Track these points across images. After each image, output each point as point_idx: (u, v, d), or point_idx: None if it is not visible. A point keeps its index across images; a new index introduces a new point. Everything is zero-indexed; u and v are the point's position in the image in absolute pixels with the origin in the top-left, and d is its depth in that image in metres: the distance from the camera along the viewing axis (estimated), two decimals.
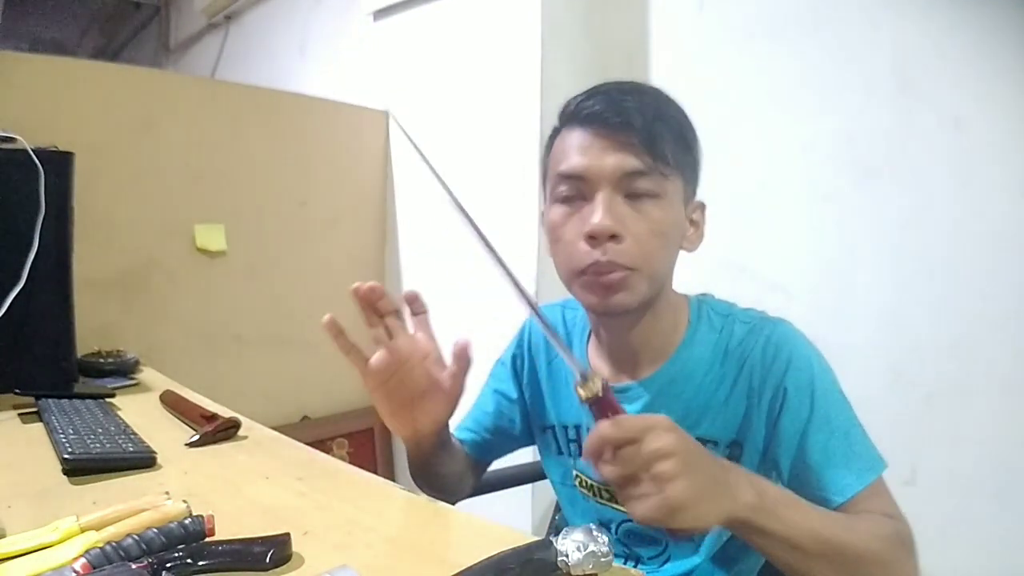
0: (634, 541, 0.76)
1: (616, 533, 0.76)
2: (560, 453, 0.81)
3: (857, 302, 1.25)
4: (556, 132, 0.69)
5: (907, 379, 1.19)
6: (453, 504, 0.91)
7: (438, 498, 0.72)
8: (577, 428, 0.78)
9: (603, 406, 0.51)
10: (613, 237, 0.62)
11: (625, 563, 0.76)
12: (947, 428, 1.15)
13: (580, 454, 0.76)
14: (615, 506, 0.75)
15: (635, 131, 0.62)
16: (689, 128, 0.67)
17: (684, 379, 0.70)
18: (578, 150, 0.64)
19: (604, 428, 0.48)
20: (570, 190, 0.65)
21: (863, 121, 1.24)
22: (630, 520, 0.72)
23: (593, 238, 0.62)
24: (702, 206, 0.71)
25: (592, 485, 0.77)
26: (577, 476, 0.79)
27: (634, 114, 0.62)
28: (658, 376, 0.71)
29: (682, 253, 0.70)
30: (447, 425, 0.71)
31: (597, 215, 0.62)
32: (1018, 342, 1.08)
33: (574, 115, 0.66)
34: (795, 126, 1.32)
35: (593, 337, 0.78)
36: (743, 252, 1.39)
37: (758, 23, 1.38)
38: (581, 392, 0.51)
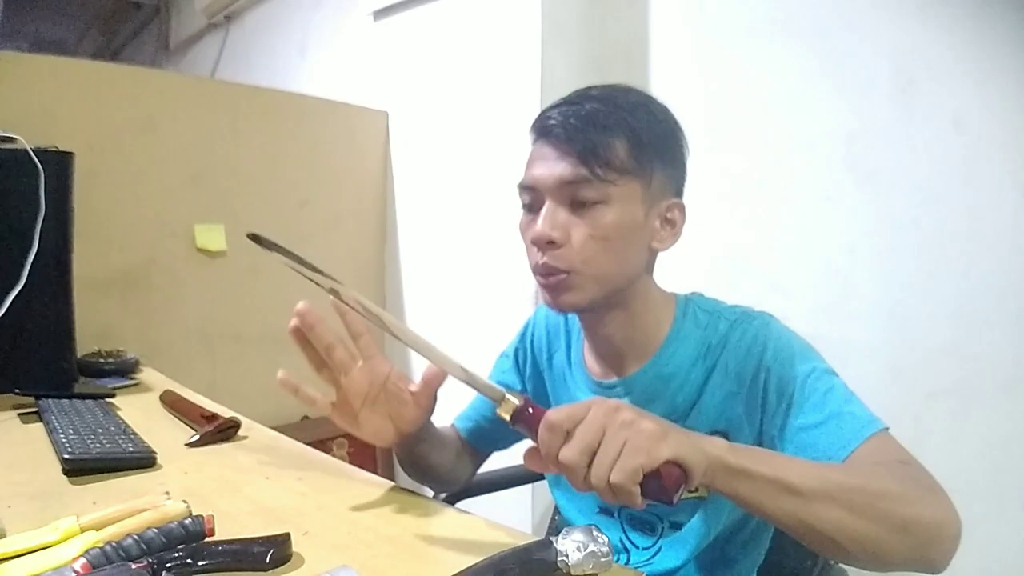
0: (633, 527, 0.77)
1: (618, 517, 0.77)
2: None
3: (857, 302, 1.25)
4: (533, 143, 0.73)
5: (907, 379, 1.19)
6: (447, 493, 0.92)
7: (431, 487, 0.72)
8: None
9: (533, 417, 0.51)
10: (551, 243, 0.66)
11: (619, 551, 0.77)
12: (947, 428, 1.15)
13: None
14: None
15: (576, 142, 0.65)
16: (651, 129, 0.68)
17: (668, 376, 0.71)
18: (532, 163, 0.70)
19: (550, 415, 0.49)
20: (527, 199, 0.70)
21: (863, 121, 1.24)
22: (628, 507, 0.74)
23: (536, 244, 0.67)
24: (680, 205, 0.72)
25: None
26: None
27: (579, 124, 0.66)
28: (642, 374, 0.73)
29: (674, 252, 0.72)
30: (427, 424, 0.73)
31: (537, 223, 0.67)
32: (1018, 342, 1.08)
33: (536, 129, 0.71)
34: (795, 126, 1.32)
35: (585, 339, 0.80)
36: (743, 252, 1.39)
37: (758, 23, 1.38)
38: (502, 414, 0.53)
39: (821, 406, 0.62)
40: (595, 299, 0.68)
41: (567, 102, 0.69)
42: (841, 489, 0.50)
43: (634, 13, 1.58)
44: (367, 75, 2.03)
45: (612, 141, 0.65)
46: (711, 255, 1.39)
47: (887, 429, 0.60)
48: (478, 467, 0.93)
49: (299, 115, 1.82)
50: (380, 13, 1.94)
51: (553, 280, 0.67)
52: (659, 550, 0.74)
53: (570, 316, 0.84)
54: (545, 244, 0.66)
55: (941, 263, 1.16)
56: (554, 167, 0.67)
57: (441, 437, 0.83)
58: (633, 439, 0.47)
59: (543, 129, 0.69)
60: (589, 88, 0.71)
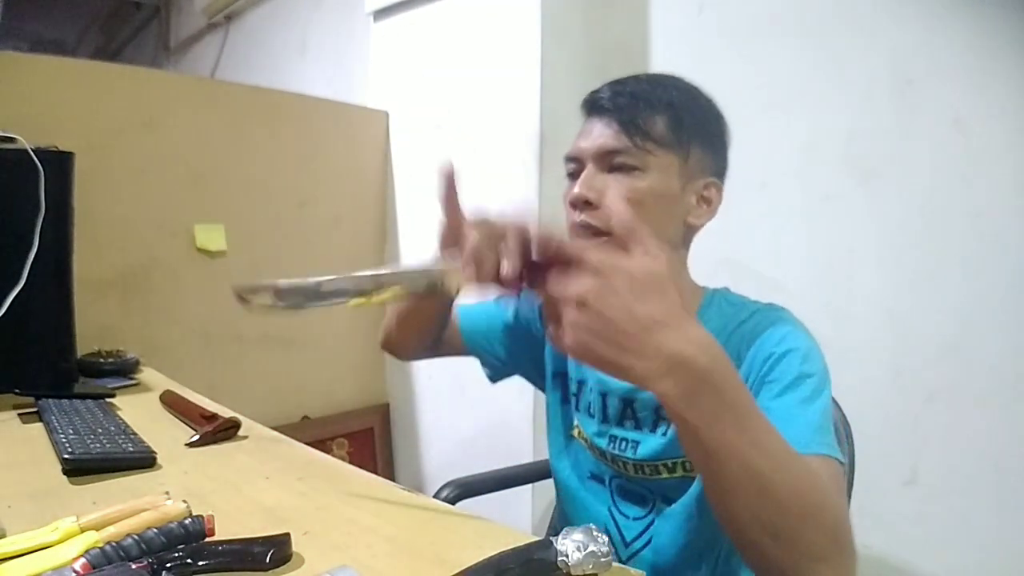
0: (623, 497, 0.78)
1: (608, 486, 0.80)
2: (566, 402, 0.86)
3: (857, 302, 1.25)
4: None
5: (907, 379, 1.19)
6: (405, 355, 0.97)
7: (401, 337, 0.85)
8: (580, 383, 0.83)
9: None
10: (588, 204, 0.70)
11: (607, 520, 0.78)
12: (947, 428, 1.15)
13: (579, 408, 0.84)
14: (607, 464, 0.79)
15: (618, 114, 0.72)
16: (692, 110, 0.74)
17: None
18: (579, 136, 0.76)
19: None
20: (571, 168, 0.76)
21: (863, 121, 1.24)
22: (620, 476, 0.78)
23: (573, 204, 0.72)
24: (716, 184, 0.76)
25: (587, 439, 0.82)
26: (576, 427, 0.84)
27: (622, 99, 0.72)
28: None
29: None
30: None
31: (576, 186, 0.72)
32: (1018, 342, 1.08)
33: (585, 104, 0.77)
34: (795, 126, 1.32)
35: None
36: (743, 251, 1.39)
37: (758, 23, 1.38)
38: (450, 286, 0.52)
39: (795, 405, 0.62)
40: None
41: (617, 82, 0.76)
42: (791, 480, 0.48)
43: (634, 13, 1.58)
44: (367, 75, 2.03)
45: (653, 115, 0.72)
46: (711, 255, 1.39)
47: (842, 464, 0.59)
48: (447, 350, 0.94)
49: (299, 115, 1.82)
50: (380, 13, 1.94)
51: (596, 241, 0.69)
52: (651, 523, 0.75)
53: None
54: (582, 204, 0.70)
55: (941, 263, 1.16)
56: (597, 138, 0.72)
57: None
58: (616, 332, 0.44)
59: (592, 105, 0.75)
60: (638, 75, 0.78)
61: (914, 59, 1.17)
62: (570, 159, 0.75)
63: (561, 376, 0.87)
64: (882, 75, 1.21)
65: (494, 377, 0.96)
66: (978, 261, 1.12)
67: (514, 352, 0.92)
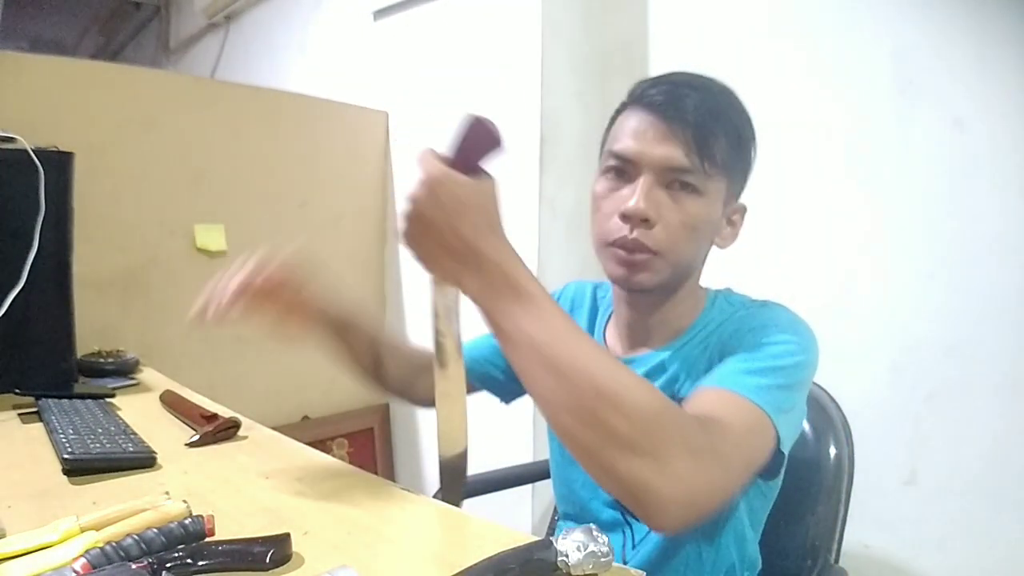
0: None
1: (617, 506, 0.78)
2: None
3: (857, 302, 1.25)
4: (620, 110, 0.73)
5: (907, 379, 1.19)
6: (404, 399, 0.95)
7: (375, 388, 0.84)
8: None
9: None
10: (645, 221, 0.67)
11: (620, 528, 0.77)
12: (947, 428, 1.15)
13: None
14: None
15: (688, 127, 0.66)
16: (747, 132, 0.71)
17: (684, 357, 0.74)
18: (633, 133, 0.68)
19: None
20: (618, 168, 0.70)
21: (863, 121, 1.24)
22: None
23: (627, 217, 0.67)
24: (743, 209, 0.75)
25: None
26: None
27: (691, 110, 0.66)
28: (662, 351, 0.75)
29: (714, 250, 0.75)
30: (339, 325, 0.81)
31: (635, 198, 0.66)
32: (1018, 342, 1.08)
33: (638, 99, 0.70)
34: (795, 126, 1.32)
35: (613, 316, 0.82)
36: (743, 252, 1.39)
37: (758, 23, 1.38)
38: None
39: (741, 361, 0.62)
40: (664, 283, 0.71)
41: (670, 81, 0.69)
42: (587, 364, 0.51)
43: (634, 13, 1.58)
44: (367, 75, 2.03)
45: (719, 136, 0.67)
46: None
47: (770, 418, 0.58)
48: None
49: (299, 115, 1.82)
50: (380, 13, 1.94)
51: (639, 257, 0.68)
52: None
53: (600, 295, 0.88)
54: (640, 221, 0.67)
55: (941, 263, 1.16)
56: (660, 146, 0.66)
57: (373, 341, 0.87)
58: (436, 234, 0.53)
59: (648, 102, 0.68)
60: (685, 73, 0.71)
61: (914, 59, 1.17)
62: (620, 157, 0.69)
63: None
64: (882, 75, 1.21)
65: (505, 399, 0.96)
66: (978, 261, 1.12)
67: (510, 371, 0.91)
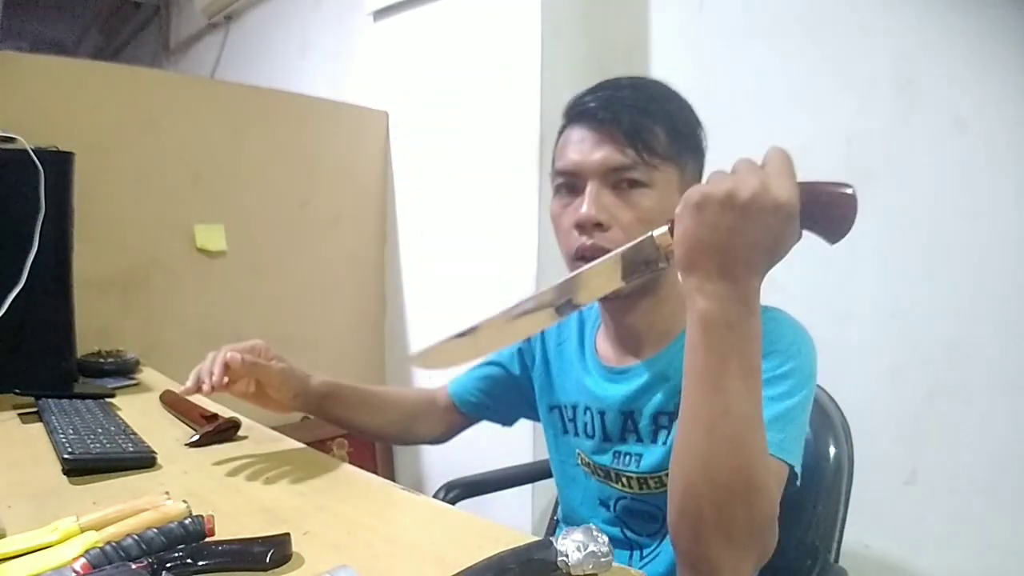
0: (632, 518, 0.77)
1: (614, 511, 0.78)
2: (565, 432, 0.85)
3: (857, 302, 1.25)
4: (560, 130, 0.74)
5: (907, 379, 1.19)
6: (399, 444, 0.99)
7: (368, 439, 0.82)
8: (574, 408, 0.82)
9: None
10: (598, 225, 0.67)
11: (624, 546, 0.77)
12: (947, 428, 1.15)
13: (577, 432, 0.81)
14: (612, 484, 0.77)
15: (621, 126, 0.67)
16: (686, 119, 0.71)
17: (680, 362, 0.72)
18: (572, 146, 0.70)
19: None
20: (566, 183, 0.71)
21: (863, 121, 1.24)
22: (626, 497, 0.76)
23: (581, 227, 0.68)
24: None
25: (590, 463, 0.80)
26: (579, 454, 0.82)
27: (622, 110, 0.67)
28: (656, 359, 0.74)
29: None
30: (314, 397, 0.86)
31: (584, 206, 0.68)
32: (1018, 342, 1.08)
33: (571, 112, 0.72)
34: (795, 126, 1.32)
35: (602, 326, 0.82)
36: None
37: (758, 23, 1.38)
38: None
39: (777, 404, 0.61)
40: (637, 284, 0.70)
41: (601, 88, 0.71)
42: (752, 450, 0.50)
43: (634, 13, 1.58)
44: (367, 75, 2.03)
45: (653, 126, 0.67)
46: None
47: (793, 468, 0.60)
48: (459, 430, 0.96)
49: (299, 115, 1.82)
50: (380, 13, 1.94)
51: None
52: (666, 534, 0.74)
53: (585, 308, 0.86)
54: (592, 226, 0.67)
55: (941, 263, 1.16)
56: (598, 151, 0.67)
57: (362, 399, 0.90)
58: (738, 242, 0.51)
59: (582, 113, 0.70)
60: (618, 79, 0.73)
61: (914, 59, 1.17)
62: (565, 173, 0.70)
63: (556, 408, 0.85)
64: (882, 75, 1.21)
65: (505, 423, 0.97)
66: (978, 261, 1.12)
67: (508, 401, 0.93)
